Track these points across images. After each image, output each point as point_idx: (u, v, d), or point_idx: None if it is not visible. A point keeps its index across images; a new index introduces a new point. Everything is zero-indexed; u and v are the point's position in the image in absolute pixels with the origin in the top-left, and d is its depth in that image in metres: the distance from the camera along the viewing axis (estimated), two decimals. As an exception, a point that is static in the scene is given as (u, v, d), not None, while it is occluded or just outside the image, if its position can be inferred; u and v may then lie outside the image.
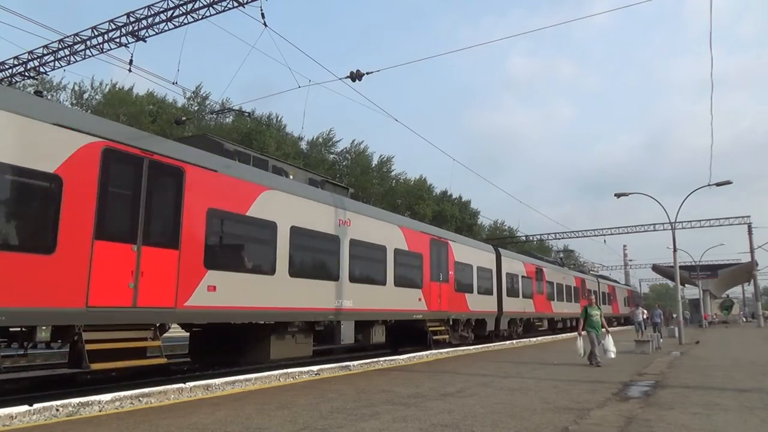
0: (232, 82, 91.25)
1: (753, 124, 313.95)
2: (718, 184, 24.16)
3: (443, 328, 18.19)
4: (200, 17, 15.78)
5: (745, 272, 54.56)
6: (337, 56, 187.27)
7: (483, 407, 7.24)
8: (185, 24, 16.02)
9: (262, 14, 13.81)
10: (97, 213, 7.97)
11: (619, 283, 57.66)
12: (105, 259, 8.00)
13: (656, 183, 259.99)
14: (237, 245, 10.70)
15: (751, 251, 48.22)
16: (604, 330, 13.70)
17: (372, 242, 14.64)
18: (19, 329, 7.53)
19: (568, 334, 28.91)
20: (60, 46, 18.36)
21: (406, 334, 17.32)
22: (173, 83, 18.87)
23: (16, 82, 20.79)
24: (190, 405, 7.32)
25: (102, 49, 17.53)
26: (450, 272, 18.65)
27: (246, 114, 26.17)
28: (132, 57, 16.53)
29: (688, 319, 47.24)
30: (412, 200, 51.19)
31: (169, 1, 15.91)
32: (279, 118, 45.51)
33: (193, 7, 15.71)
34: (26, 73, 20.03)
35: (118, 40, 17.06)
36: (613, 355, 13.48)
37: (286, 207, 11.74)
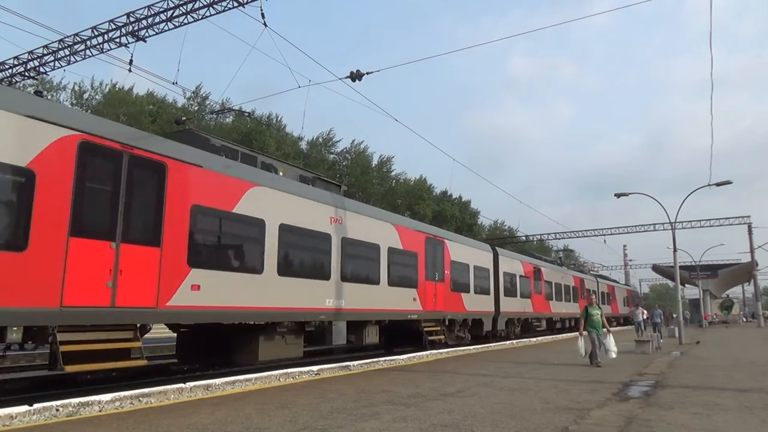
0: (232, 82, 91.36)
1: (753, 124, 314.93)
2: (718, 184, 24.15)
3: (439, 328, 17.96)
4: (200, 17, 15.81)
5: (745, 272, 54.62)
6: (337, 56, 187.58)
7: (483, 407, 7.24)
8: (185, 24, 16.06)
9: (262, 14, 13.87)
10: (73, 209, 7.67)
11: (618, 283, 57.64)
12: (81, 257, 7.69)
13: (656, 183, 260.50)
14: (223, 243, 10.33)
15: (751, 251, 48.29)
16: (605, 330, 13.68)
17: (365, 240, 14.27)
18: None
19: (568, 335, 28.94)
20: (60, 46, 18.39)
21: (401, 334, 17.03)
22: (173, 83, 18.93)
23: (16, 82, 20.80)
24: (190, 405, 7.32)
25: (102, 49, 17.57)
26: (446, 271, 18.36)
27: (246, 114, 26.16)
28: (132, 57, 16.61)
29: (688, 319, 47.23)
30: (412, 200, 51.26)
31: (169, 1, 15.94)
32: (279, 118, 45.74)
33: (193, 7, 15.74)
34: (26, 73, 20.05)
35: (118, 40, 17.10)
36: (614, 355, 13.49)
37: (275, 204, 11.43)
